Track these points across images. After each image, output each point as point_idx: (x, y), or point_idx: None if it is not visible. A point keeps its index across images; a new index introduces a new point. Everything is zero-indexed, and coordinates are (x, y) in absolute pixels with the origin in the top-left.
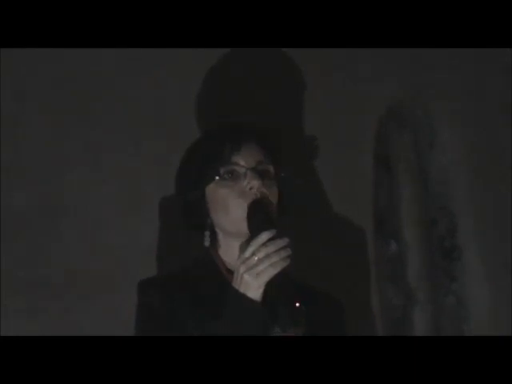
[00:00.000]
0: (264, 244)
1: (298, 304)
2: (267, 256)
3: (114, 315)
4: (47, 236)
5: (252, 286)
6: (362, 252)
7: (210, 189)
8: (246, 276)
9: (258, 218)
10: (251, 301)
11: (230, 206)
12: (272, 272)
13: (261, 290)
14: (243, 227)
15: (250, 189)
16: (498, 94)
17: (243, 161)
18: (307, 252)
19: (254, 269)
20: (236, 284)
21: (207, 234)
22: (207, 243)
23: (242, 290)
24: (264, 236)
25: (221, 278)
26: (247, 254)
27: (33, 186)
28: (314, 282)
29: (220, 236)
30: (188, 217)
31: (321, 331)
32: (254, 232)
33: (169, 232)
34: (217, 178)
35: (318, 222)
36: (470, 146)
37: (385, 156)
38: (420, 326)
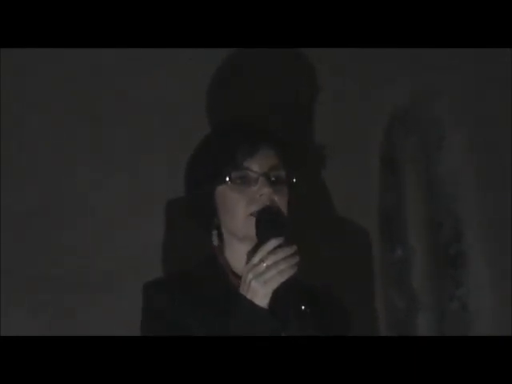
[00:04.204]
0: (272, 251)
1: (303, 307)
2: (275, 263)
3: (114, 315)
4: (47, 236)
5: (259, 293)
6: (366, 254)
7: (220, 190)
8: (253, 283)
9: (267, 224)
10: (259, 308)
11: (238, 211)
12: (279, 280)
13: (268, 298)
14: (251, 233)
15: (261, 196)
16: (497, 94)
17: (256, 166)
18: (313, 254)
19: (261, 276)
20: (243, 290)
21: (215, 233)
22: (215, 242)
23: (249, 296)
24: (272, 243)
25: (226, 279)
26: (255, 260)
27: (33, 186)
28: (319, 283)
29: (226, 237)
30: (195, 215)
31: (325, 333)
32: (261, 239)
33: (169, 232)
34: (228, 180)
35: (323, 224)
36: (470, 147)
37: (390, 158)
38: (423, 330)
